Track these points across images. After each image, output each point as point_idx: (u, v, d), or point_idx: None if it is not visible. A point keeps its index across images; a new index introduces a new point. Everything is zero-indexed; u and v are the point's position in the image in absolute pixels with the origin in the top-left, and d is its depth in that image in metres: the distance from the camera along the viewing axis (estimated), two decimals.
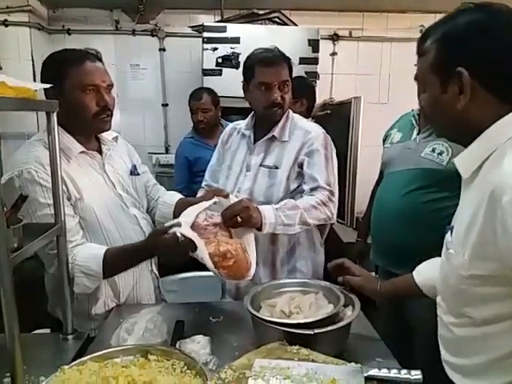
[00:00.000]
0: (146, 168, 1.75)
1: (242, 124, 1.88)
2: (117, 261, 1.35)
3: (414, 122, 1.91)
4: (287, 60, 1.68)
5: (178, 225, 1.24)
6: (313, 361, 1.01)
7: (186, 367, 1.10)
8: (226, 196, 1.51)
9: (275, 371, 0.95)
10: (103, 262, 1.34)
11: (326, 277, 1.85)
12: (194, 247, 1.24)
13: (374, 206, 2.01)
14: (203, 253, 1.27)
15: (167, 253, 1.32)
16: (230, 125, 1.97)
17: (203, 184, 1.96)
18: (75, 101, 1.39)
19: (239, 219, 1.42)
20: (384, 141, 2.09)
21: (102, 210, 1.45)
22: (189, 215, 1.37)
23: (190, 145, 2.92)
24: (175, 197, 1.70)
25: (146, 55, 3.68)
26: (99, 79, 1.42)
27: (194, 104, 2.87)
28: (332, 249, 1.95)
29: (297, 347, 1.06)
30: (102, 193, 1.48)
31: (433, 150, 1.76)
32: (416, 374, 0.94)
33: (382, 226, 1.92)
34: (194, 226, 1.35)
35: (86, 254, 1.36)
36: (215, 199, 1.47)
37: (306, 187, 1.70)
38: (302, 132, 1.74)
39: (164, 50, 3.66)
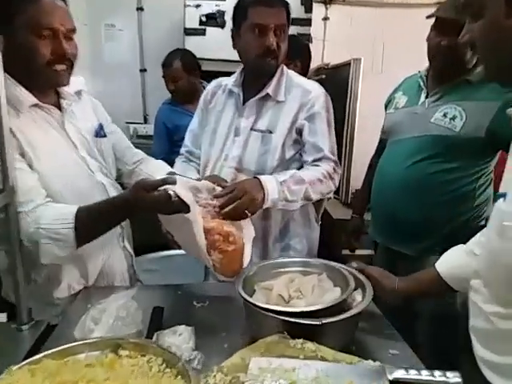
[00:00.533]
0: (115, 128, 1.51)
1: (228, 80, 1.62)
2: (91, 221, 1.12)
3: (422, 84, 1.71)
4: (285, 4, 1.44)
5: (173, 182, 1.03)
6: (322, 358, 0.82)
7: (164, 365, 0.90)
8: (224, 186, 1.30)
9: (278, 374, 0.75)
10: (75, 224, 1.11)
11: (320, 255, 1.67)
12: (187, 210, 1.04)
13: (375, 177, 1.82)
14: (197, 223, 1.06)
15: (153, 211, 1.12)
16: (213, 82, 1.71)
17: (183, 150, 1.72)
18: (26, 45, 1.14)
19: (246, 211, 1.22)
20: (386, 106, 1.89)
21: (62, 174, 1.22)
22: (187, 185, 1.18)
23: (168, 111, 2.66)
24: (162, 169, 1.47)
25: (122, 15, 3.35)
26: (58, 21, 1.16)
27: (164, 71, 2.65)
28: (322, 226, 1.77)
29: (301, 341, 0.86)
30: (62, 155, 1.25)
31: (444, 115, 1.57)
32: (455, 377, 0.76)
33: (383, 199, 1.74)
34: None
35: (51, 215, 1.13)
36: (215, 186, 1.27)
37: (307, 157, 1.49)
38: (300, 91, 1.51)
39: (142, 9, 3.35)
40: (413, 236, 1.67)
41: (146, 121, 3.49)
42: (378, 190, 1.78)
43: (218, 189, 1.24)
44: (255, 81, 1.52)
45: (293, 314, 0.92)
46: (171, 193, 1.02)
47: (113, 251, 1.37)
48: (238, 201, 1.20)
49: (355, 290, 1.05)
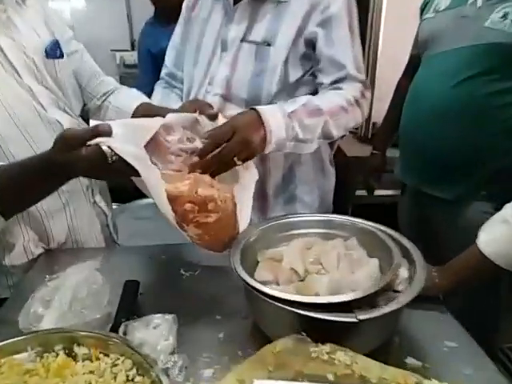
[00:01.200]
0: (78, 46, 1.16)
1: None
2: (12, 187, 0.77)
3: None
4: None
5: (106, 131, 0.69)
6: (362, 379, 0.54)
7: (134, 370, 0.66)
8: (213, 117, 0.90)
9: None
10: None
11: (336, 209, 1.36)
12: (134, 173, 0.70)
13: (406, 103, 1.47)
14: (156, 190, 0.73)
15: (86, 176, 0.80)
16: None
17: (163, 72, 1.35)
18: None
19: (234, 159, 0.85)
20: (422, 10, 1.50)
21: None
22: (152, 124, 0.81)
23: (151, 32, 2.21)
24: (134, 99, 1.12)
25: None
26: None
27: None
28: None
29: (328, 348, 0.58)
30: None
31: (504, 16, 1.19)
32: None
33: (417, 129, 1.40)
34: (155, 143, 0.80)
35: None
36: (197, 116, 0.89)
37: (324, 78, 1.12)
38: None
39: None
40: (453, 175, 1.36)
41: (133, 47, 3.08)
42: (411, 118, 1.44)
43: (204, 121, 0.89)
44: None
45: (318, 305, 0.63)
46: (105, 149, 0.67)
47: (79, 208, 1.08)
48: (224, 144, 0.84)
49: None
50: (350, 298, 0.64)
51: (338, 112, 1.05)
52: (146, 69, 2.22)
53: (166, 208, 0.73)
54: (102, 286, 0.84)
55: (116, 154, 0.67)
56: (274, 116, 0.94)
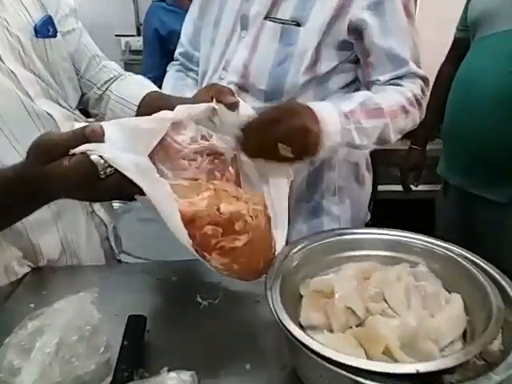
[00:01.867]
0: (77, 25, 0.96)
1: None
2: None
3: None
4: None
5: (95, 135, 0.49)
6: None
7: None
8: (234, 105, 0.71)
9: None
10: None
11: (372, 223, 1.16)
12: (138, 191, 0.51)
13: (452, 92, 1.28)
14: (167, 210, 0.53)
15: (70, 195, 0.58)
16: None
17: (177, 53, 1.15)
18: None
19: (283, 147, 0.66)
20: None
21: None
22: (158, 124, 0.60)
23: (160, 11, 2.03)
24: (141, 88, 0.93)
25: None
26: None
27: None
28: None
29: None
30: None
31: None
32: None
33: (468, 122, 1.21)
34: (161, 145, 0.60)
35: None
36: (214, 105, 0.70)
37: (380, 76, 0.92)
38: None
39: None
40: (508, 175, 1.17)
41: (139, 32, 2.86)
42: (460, 109, 1.25)
43: (224, 112, 0.69)
44: None
45: (397, 376, 0.44)
46: (95, 159, 0.49)
47: (74, 218, 0.89)
48: (279, 125, 0.66)
49: None
50: (442, 367, 0.45)
51: (398, 113, 0.86)
52: (152, 52, 2.03)
53: (181, 233, 0.54)
54: (98, 326, 0.65)
55: (110, 165, 0.48)
56: (331, 115, 0.76)
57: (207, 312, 0.75)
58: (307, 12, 0.90)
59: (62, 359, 0.61)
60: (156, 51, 1.98)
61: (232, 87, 0.92)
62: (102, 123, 0.51)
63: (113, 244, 0.99)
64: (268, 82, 0.93)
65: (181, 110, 0.64)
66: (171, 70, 1.13)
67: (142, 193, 0.51)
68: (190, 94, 0.82)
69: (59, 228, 0.87)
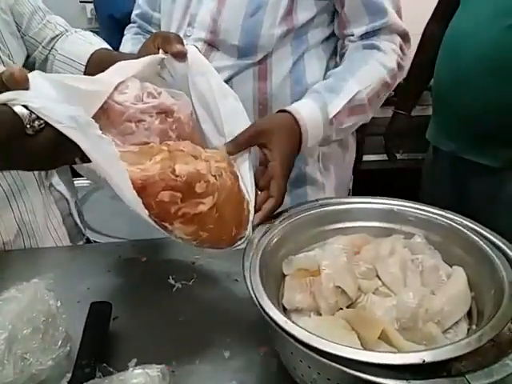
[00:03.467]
0: None
1: None
2: None
3: None
4: None
5: (19, 80, 0.39)
6: None
7: None
8: (181, 54, 0.63)
9: None
10: None
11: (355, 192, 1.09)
12: (78, 152, 0.43)
13: (441, 53, 1.21)
14: (116, 178, 0.45)
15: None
16: None
17: (134, 15, 1.02)
18: None
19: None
20: None
21: None
22: (101, 84, 0.53)
23: None
24: (89, 46, 0.82)
25: None
26: None
27: None
28: None
29: None
30: None
31: None
32: None
33: (459, 84, 1.15)
34: (102, 109, 0.52)
35: None
36: (162, 55, 0.63)
37: (355, 29, 0.83)
38: None
39: None
40: (502, 138, 1.12)
41: None
42: (449, 70, 1.17)
43: (172, 62, 0.61)
44: None
45: (396, 367, 0.37)
46: (19, 110, 0.39)
47: (30, 195, 0.80)
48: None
49: None
50: (452, 355, 0.38)
51: (380, 92, 0.80)
52: (109, 38, 1.85)
53: (135, 203, 0.46)
54: (55, 316, 0.57)
55: (39, 117, 0.39)
56: (316, 128, 0.71)
57: (181, 295, 0.67)
58: None
59: (14, 355, 0.53)
60: (114, 37, 1.81)
61: (200, 45, 0.84)
62: (29, 73, 0.42)
63: (77, 220, 0.90)
64: (241, 37, 0.83)
65: (123, 67, 0.56)
66: (128, 34, 1.02)
67: (82, 155, 0.42)
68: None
69: (13, 207, 0.78)
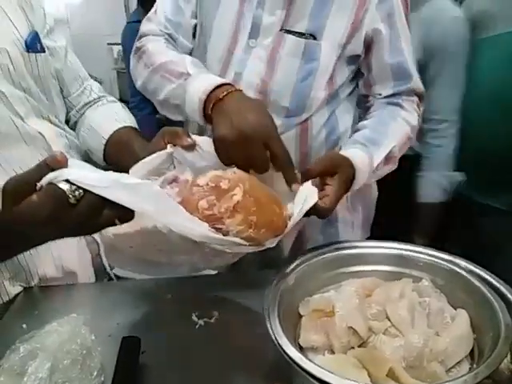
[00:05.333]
0: (62, 43, 0.93)
1: None
2: None
3: None
4: None
5: (58, 162, 0.47)
6: None
7: None
8: (191, 147, 0.70)
9: None
10: None
11: (380, 231, 1.14)
12: (128, 212, 0.49)
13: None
14: (167, 207, 0.52)
15: (49, 234, 0.53)
16: None
17: (157, 29, 0.95)
18: None
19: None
20: None
21: None
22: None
23: (137, 33, 1.94)
24: (113, 122, 0.90)
25: None
26: None
27: None
28: None
29: None
30: None
31: None
32: None
33: (472, 126, 1.20)
34: None
35: None
36: (168, 150, 0.70)
37: (382, 90, 0.91)
38: None
39: None
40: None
41: None
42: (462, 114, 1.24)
43: (180, 153, 0.69)
44: None
45: None
46: (63, 187, 0.47)
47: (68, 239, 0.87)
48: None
49: None
50: None
51: (405, 146, 0.90)
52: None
53: (192, 221, 0.53)
54: (91, 348, 0.63)
55: (79, 187, 0.46)
56: (363, 176, 0.79)
57: (203, 332, 0.72)
58: (323, 23, 0.86)
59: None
60: None
61: None
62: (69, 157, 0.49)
63: (104, 261, 0.97)
64: (292, 99, 0.89)
65: (138, 171, 0.65)
66: (158, 42, 0.94)
67: (122, 216, 0.49)
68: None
69: (51, 247, 0.84)
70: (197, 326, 0.73)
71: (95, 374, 0.61)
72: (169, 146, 0.69)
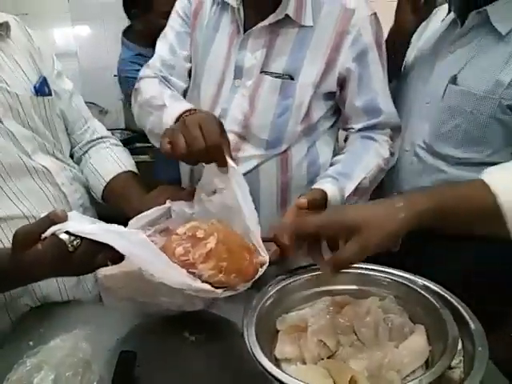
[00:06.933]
0: (69, 86, 1.04)
1: None
2: None
3: None
4: None
5: (59, 217, 0.58)
6: None
7: None
8: (190, 198, 0.82)
9: None
10: None
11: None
12: (117, 255, 0.58)
13: None
14: (152, 255, 0.60)
15: (52, 274, 0.67)
16: None
17: (152, 70, 1.06)
18: None
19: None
20: None
21: None
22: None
23: (132, 66, 1.86)
24: (115, 168, 1.00)
25: None
26: None
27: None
28: None
29: None
30: None
31: None
32: None
33: None
34: None
35: None
36: (169, 204, 0.81)
37: (355, 124, 1.01)
38: (337, 9, 0.95)
39: None
40: None
41: None
42: None
43: (177, 207, 0.80)
44: None
45: None
46: (63, 237, 0.57)
47: None
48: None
49: None
50: None
51: (378, 176, 0.98)
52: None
53: (172, 268, 0.61)
54: (91, 362, 0.70)
55: (76, 237, 0.56)
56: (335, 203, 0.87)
57: (194, 346, 0.79)
58: (299, 64, 0.96)
59: None
60: None
61: (232, 136, 0.95)
62: (69, 212, 0.59)
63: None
64: (270, 133, 0.98)
65: (138, 222, 0.75)
66: (153, 82, 1.04)
67: (113, 257, 0.57)
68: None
69: None
70: (188, 341, 0.80)
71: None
72: (168, 201, 0.79)
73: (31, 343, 0.79)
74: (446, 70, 1.01)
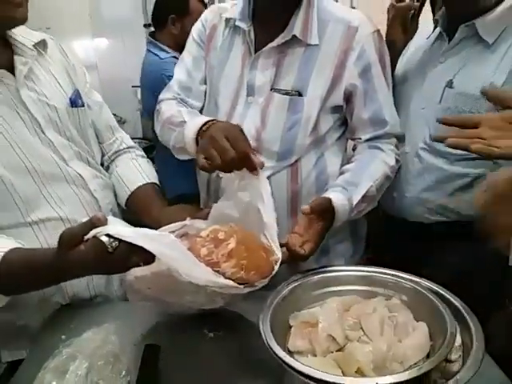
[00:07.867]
0: (98, 99, 1.12)
1: (228, 11, 1.10)
2: (16, 275, 0.74)
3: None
4: None
5: (100, 220, 0.65)
6: None
7: None
8: (206, 216, 0.91)
9: None
10: None
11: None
12: (150, 257, 0.65)
13: None
14: (182, 255, 0.67)
15: (94, 272, 0.77)
16: (210, 8, 1.19)
17: (169, 95, 1.16)
18: None
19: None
20: None
21: (17, 170, 0.87)
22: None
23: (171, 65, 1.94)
24: (138, 177, 1.09)
25: None
26: None
27: (183, 20, 2.08)
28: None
29: None
30: (17, 139, 0.88)
31: None
32: None
33: None
34: None
35: None
36: (187, 222, 0.88)
37: (362, 135, 1.07)
38: (341, 27, 1.02)
39: None
40: None
41: None
42: None
43: (195, 223, 0.86)
44: (270, 15, 1.04)
45: None
46: (104, 239, 0.64)
47: None
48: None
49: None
50: (398, 380, 0.55)
51: (384, 184, 1.04)
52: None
53: (200, 267, 0.68)
54: (119, 354, 0.77)
55: (116, 238, 0.63)
56: (343, 212, 0.94)
57: (212, 342, 0.86)
58: (306, 82, 1.02)
59: (91, 381, 0.72)
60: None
61: None
62: (108, 217, 0.67)
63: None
64: (280, 146, 1.05)
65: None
66: (171, 105, 1.13)
67: (146, 259, 0.65)
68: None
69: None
70: (207, 338, 0.87)
71: (123, 374, 0.74)
72: (188, 218, 0.87)
73: (63, 337, 0.86)
74: (440, 76, 1.07)
